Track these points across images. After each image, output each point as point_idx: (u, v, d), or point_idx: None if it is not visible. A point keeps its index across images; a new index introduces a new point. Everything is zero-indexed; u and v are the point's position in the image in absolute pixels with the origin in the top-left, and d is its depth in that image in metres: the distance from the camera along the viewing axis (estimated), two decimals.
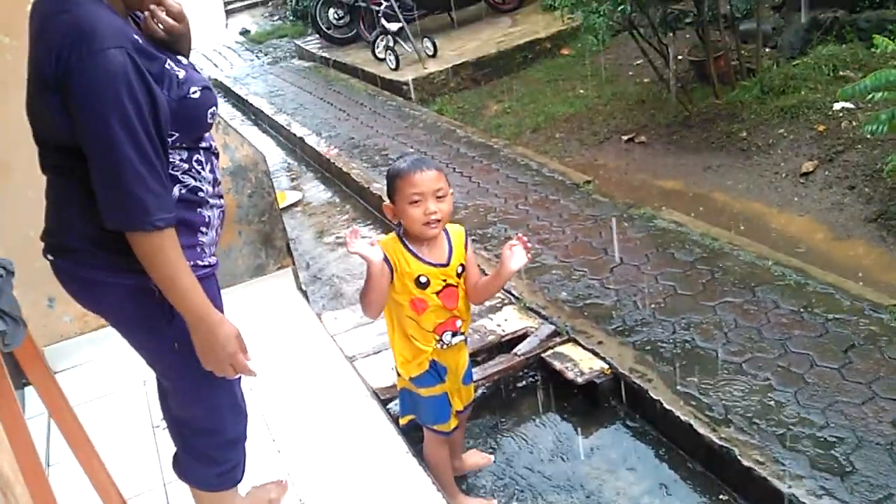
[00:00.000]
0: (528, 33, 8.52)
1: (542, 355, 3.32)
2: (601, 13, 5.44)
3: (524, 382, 3.35)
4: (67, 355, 3.36)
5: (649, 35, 5.69)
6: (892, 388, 2.72)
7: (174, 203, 1.66)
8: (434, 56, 8.45)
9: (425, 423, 2.53)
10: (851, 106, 4.79)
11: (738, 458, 2.55)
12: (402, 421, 2.61)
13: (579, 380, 3.10)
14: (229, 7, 17.57)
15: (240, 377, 1.91)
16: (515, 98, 7.31)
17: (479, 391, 3.21)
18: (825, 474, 2.44)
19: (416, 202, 2.16)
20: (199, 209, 1.79)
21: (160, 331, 1.78)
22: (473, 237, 4.50)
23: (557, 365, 3.22)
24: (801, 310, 3.22)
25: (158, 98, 1.60)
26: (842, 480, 2.41)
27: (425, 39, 8.53)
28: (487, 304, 3.74)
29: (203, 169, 1.79)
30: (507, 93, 7.55)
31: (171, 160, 1.69)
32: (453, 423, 2.52)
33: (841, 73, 5.30)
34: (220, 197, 1.90)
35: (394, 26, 8.58)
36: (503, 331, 3.52)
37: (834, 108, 4.89)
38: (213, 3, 17.42)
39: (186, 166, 1.75)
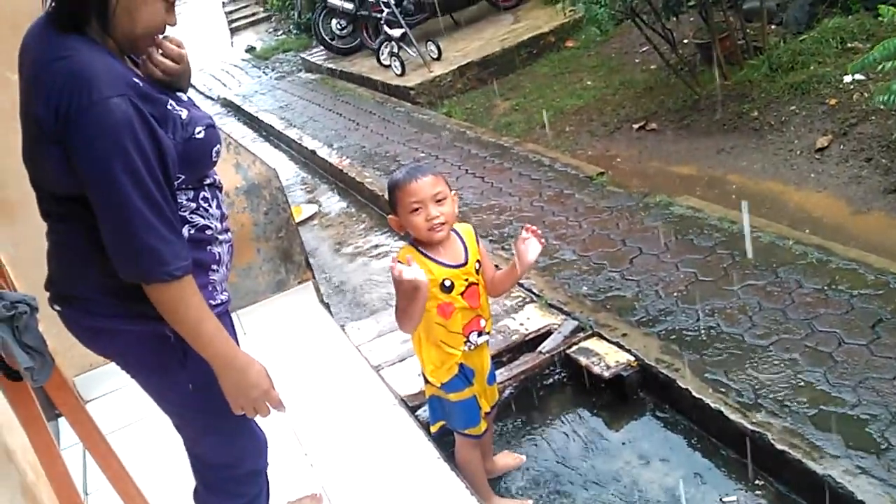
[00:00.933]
0: (532, 28, 8.50)
1: (567, 352, 3.31)
2: (602, 3, 5.42)
3: (551, 380, 3.34)
4: (98, 384, 3.41)
5: (653, 21, 5.65)
6: None
7: (188, 248, 1.63)
8: (439, 59, 8.45)
9: (457, 429, 2.54)
10: (862, 77, 4.73)
11: (772, 441, 2.53)
12: (433, 428, 2.62)
13: (606, 374, 3.09)
14: (233, 25, 17.71)
15: None
16: (523, 95, 7.29)
17: (507, 391, 3.21)
18: (860, 453, 2.41)
19: (416, 210, 2.18)
20: (208, 247, 1.76)
21: (174, 374, 1.76)
22: (490, 237, 4.50)
23: (583, 360, 3.21)
24: (826, 287, 3.19)
25: (164, 143, 1.56)
26: (878, 458, 2.38)
27: (429, 43, 8.54)
28: (509, 303, 3.75)
29: (210, 206, 1.76)
30: (515, 90, 7.53)
31: (178, 201, 1.66)
32: (483, 425, 2.53)
33: (849, 44, 5.23)
34: (228, 231, 1.87)
35: (397, 32, 8.61)
36: (526, 329, 3.52)
37: (844, 81, 4.83)
38: (217, 22, 17.60)
39: (194, 206, 1.72)
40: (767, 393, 2.73)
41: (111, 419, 3.09)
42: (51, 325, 2.08)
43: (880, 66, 3.76)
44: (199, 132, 1.67)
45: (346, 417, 3.00)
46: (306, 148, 7.64)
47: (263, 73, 12.83)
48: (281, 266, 3.83)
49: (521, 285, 3.87)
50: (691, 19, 6.42)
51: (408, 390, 3.17)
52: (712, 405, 2.75)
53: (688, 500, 2.63)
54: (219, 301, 1.81)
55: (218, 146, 1.75)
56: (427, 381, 2.46)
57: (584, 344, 3.31)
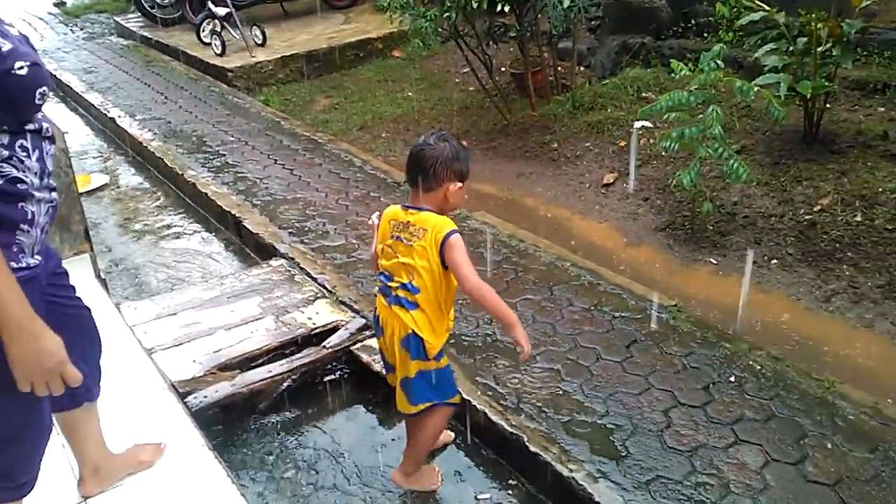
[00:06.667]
0: (361, 32, 8.55)
1: (352, 348, 3.34)
2: (428, 18, 5.57)
3: (332, 375, 3.34)
4: None
5: (474, 45, 5.89)
6: (667, 381, 2.98)
7: None
8: (263, 45, 8.27)
9: (448, 398, 2.56)
10: (650, 124, 5.22)
11: (527, 444, 2.70)
12: (418, 409, 2.53)
13: (385, 372, 3.14)
14: None
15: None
16: (344, 95, 7.30)
17: (286, 383, 3.18)
18: (603, 458, 2.63)
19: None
20: (20, 203, 1.60)
21: None
22: (291, 230, 4.44)
23: (365, 357, 3.25)
24: (592, 308, 3.46)
25: None
26: (617, 464, 2.61)
27: (254, 27, 8.34)
28: (299, 297, 3.72)
29: (29, 157, 1.60)
30: (337, 89, 7.53)
31: None
32: None
33: (644, 94, 5.75)
34: (52, 190, 1.70)
35: (221, 11, 8.32)
36: (314, 324, 3.51)
37: (634, 126, 5.30)
38: None
39: (6, 153, 1.55)
40: (529, 399, 2.92)
41: None
42: None
43: (665, 115, 4.17)
44: (21, 68, 1.53)
45: (110, 400, 2.80)
46: (106, 115, 7.14)
47: (71, 30, 11.87)
48: (55, 233, 3.54)
49: (314, 280, 3.86)
50: (510, 49, 6.77)
51: (180, 376, 3.05)
52: (479, 406, 2.89)
53: (446, 496, 2.74)
54: (24, 265, 1.64)
55: (44, 88, 1.59)
56: (426, 359, 2.43)
57: (368, 342, 3.35)
